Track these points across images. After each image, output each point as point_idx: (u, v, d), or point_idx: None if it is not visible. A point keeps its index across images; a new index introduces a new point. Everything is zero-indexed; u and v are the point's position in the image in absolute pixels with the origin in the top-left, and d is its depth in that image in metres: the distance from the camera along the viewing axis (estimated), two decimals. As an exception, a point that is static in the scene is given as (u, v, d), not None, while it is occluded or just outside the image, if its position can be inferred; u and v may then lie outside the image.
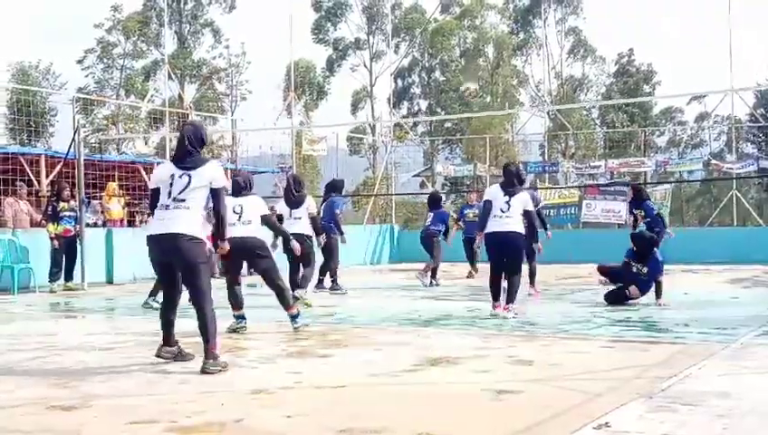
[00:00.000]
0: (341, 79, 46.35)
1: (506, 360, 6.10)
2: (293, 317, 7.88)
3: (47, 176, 18.44)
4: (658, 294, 9.84)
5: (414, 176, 26.62)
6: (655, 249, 10.16)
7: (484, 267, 14.72)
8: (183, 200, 5.88)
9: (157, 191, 6.02)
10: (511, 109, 37.77)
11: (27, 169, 18.00)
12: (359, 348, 6.91)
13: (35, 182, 18.24)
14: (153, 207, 6.08)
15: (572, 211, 21.45)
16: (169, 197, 5.88)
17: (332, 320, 8.99)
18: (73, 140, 14.55)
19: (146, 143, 39.26)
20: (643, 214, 12.91)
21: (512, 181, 8.90)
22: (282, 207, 10.70)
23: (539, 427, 4.16)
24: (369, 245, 21.56)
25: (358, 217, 20.53)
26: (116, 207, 17.07)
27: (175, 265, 5.99)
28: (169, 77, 27.69)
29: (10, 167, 17.47)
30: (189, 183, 5.88)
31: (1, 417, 4.54)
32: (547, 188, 22.42)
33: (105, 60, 43.50)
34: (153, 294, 10.02)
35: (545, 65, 37.83)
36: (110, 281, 14.99)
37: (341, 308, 10.15)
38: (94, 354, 6.45)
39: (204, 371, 5.67)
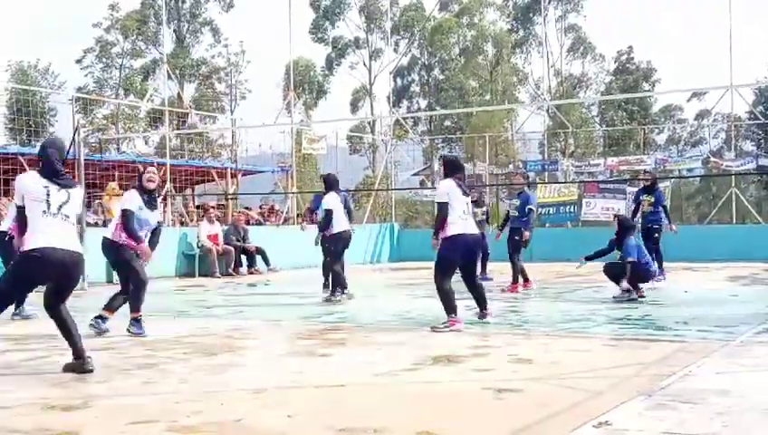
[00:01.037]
0: (341, 77, 46.44)
1: (506, 358, 6.11)
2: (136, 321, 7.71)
3: (47, 176, 18.42)
4: (624, 275, 10.02)
5: (413, 174, 26.61)
6: (630, 235, 10.36)
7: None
8: (68, 216, 5.79)
9: (23, 207, 5.75)
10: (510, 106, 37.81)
11: (27, 170, 17.99)
12: (359, 347, 6.93)
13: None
14: (22, 221, 5.75)
15: (572, 209, 21.44)
16: (49, 208, 5.68)
17: (333, 319, 8.99)
18: (73, 139, 14.52)
19: (146, 143, 39.34)
20: (652, 200, 13.01)
21: (465, 183, 8.36)
22: (335, 201, 10.88)
23: (539, 425, 4.17)
24: (370, 244, 21.55)
25: (358, 216, 20.54)
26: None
27: (53, 281, 5.86)
28: (168, 76, 27.66)
29: (10, 167, 17.46)
30: (69, 200, 5.79)
31: (1, 417, 4.54)
32: (547, 183, 22.41)
33: (104, 59, 43.48)
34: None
35: (545, 63, 37.78)
36: (110, 281, 14.95)
37: (342, 307, 10.16)
38: (94, 354, 6.45)
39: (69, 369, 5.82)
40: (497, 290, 12.14)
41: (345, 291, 10.84)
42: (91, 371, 5.74)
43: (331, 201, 10.90)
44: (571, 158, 28.83)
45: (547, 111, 29.15)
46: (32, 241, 5.67)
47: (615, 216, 12.42)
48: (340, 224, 10.90)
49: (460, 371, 5.73)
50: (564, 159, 28.08)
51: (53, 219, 5.70)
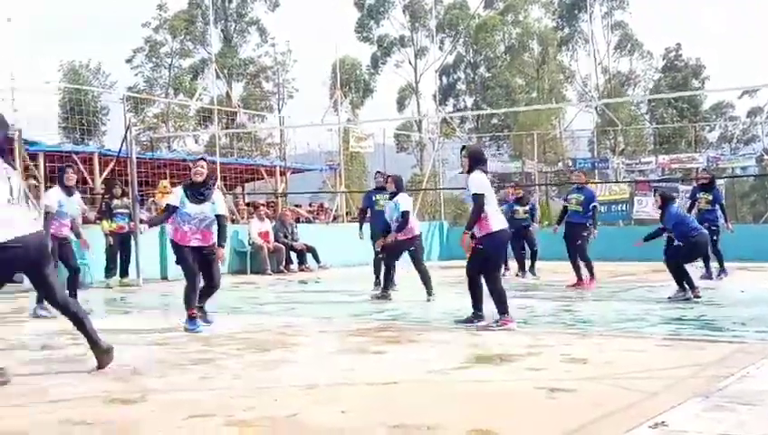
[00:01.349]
0: (386, 76, 46.55)
1: (560, 358, 6.06)
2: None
3: (100, 174, 18.76)
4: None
5: (461, 172, 26.58)
6: (671, 205, 10.32)
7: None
8: (26, 199, 5.61)
9: None
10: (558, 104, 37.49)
11: (81, 168, 18.32)
12: (411, 345, 6.93)
13: (89, 180, 18.55)
14: None
15: (623, 208, 21.23)
16: (12, 194, 5.41)
17: (385, 317, 9.01)
18: (125, 138, 14.77)
19: (196, 141, 39.86)
20: (710, 198, 13.00)
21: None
22: (410, 203, 11.04)
23: (593, 425, 4.13)
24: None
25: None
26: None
27: (36, 269, 5.68)
28: (217, 75, 27.95)
29: (65, 165, 17.79)
30: (20, 183, 5.58)
31: (66, 407, 4.66)
32: (598, 182, 22.20)
33: (153, 59, 44.13)
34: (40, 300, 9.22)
35: (592, 60, 37.39)
36: (164, 277, 15.21)
37: (394, 305, 10.18)
38: (150, 349, 6.56)
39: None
40: (550, 289, 12.07)
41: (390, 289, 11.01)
42: (111, 347, 5.79)
43: (408, 203, 10.87)
44: (621, 156, 28.50)
45: (595, 108, 28.84)
46: (2, 232, 5.32)
47: (654, 190, 12.38)
48: (417, 225, 10.95)
49: (512, 369, 5.70)
50: (614, 156, 27.77)
51: (18, 207, 5.45)
